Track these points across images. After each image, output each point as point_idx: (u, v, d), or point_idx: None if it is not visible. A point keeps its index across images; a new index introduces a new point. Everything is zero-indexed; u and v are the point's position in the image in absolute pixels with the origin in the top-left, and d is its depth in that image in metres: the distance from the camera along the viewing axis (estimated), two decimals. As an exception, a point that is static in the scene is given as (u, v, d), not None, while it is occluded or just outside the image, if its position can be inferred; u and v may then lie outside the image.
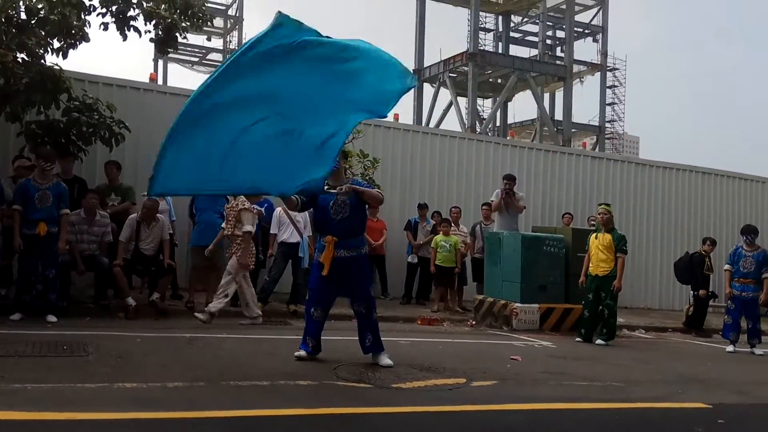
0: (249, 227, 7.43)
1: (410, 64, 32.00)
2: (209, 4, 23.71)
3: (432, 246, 10.04)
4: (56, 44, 7.93)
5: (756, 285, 8.41)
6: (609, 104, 36.61)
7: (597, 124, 34.52)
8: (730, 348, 8.45)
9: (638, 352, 7.78)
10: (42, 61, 7.86)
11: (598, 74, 34.49)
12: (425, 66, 31.24)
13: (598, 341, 8.04)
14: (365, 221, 5.63)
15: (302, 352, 5.38)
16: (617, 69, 37.29)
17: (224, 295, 7.35)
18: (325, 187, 5.20)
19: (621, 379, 5.68)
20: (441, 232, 10.04)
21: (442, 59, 30.13)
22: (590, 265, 8.22)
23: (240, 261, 7.35)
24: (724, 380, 6.13)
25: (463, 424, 3.95)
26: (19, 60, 7.70)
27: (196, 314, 7.28)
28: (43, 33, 7.72)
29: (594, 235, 8.34)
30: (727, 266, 8.69)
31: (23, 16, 7.67)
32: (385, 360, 5.33)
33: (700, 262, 10.50)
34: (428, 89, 31.92)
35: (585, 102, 36.56)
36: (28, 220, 6.66)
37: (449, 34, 36.82)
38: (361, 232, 5.47)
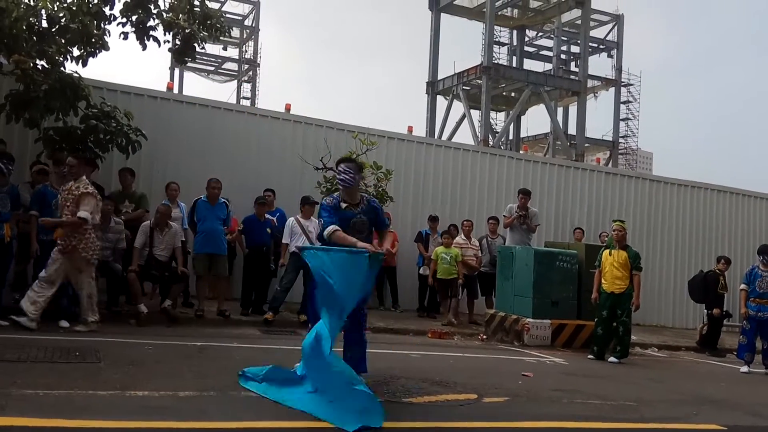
0: (84, 213, 6.29)
1: (424, 77, 32.18)
2: (226, 15, 23.98)
3: (433, 258, 9.98)
4: (76, 52, 8.05)
5: (772, 305, 8.30)
6: (623, 119, 36.49)
7: (611, 139, 34.44)
8: (744, 368, 8.33)
9: (651, 371, 7.69)
10: (61, 68, 7.98)
11: (612, 89, 34.45)
12: (439, 78, 31.31)
13: (611, 359, 7.95)
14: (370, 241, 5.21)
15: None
16: (632, 84, 37.21)
17: (87, 295, 6.49)
18: (343, 205, 5.03)
19: (634, 398, 5.60)
20: (443, 244, 9.99)
21: (456, 72, 30.19)
22: (605, 282, 8.12)
23: (83, 255, 6.39)
24: (739, 401, 6.04)
25: (475, 441, 3.91)
26: (39, 67, 7.82)
27: (15, 318, 6.23)
28: (63, 41, 7.84)
29: (607, 251, 8.26)
30: (743, 286, 8.59)
31: (44, 24, 7.80)
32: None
33: (714, 280, 10.38)
34: (441, 102, 31.97)
35: (599, 117, 36.66)
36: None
37: (463, 48, 37.00)
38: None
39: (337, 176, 5.25)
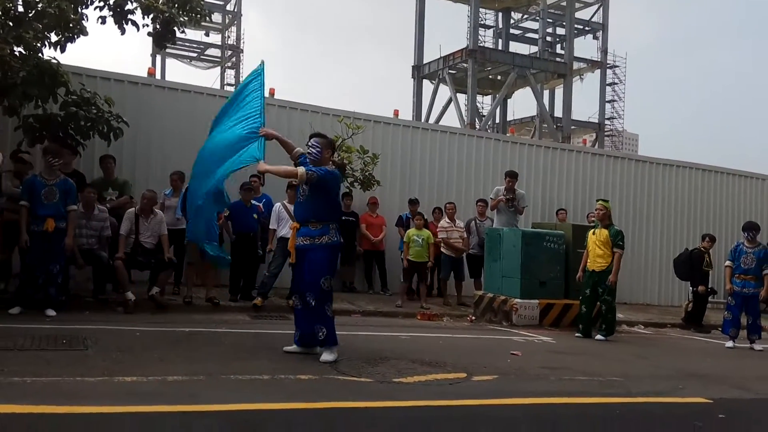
0: None
1: (410, 61, 32.01)
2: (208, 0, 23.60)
3: (405, 240, 9.89)
4: (54, 38, 7.88)
5: (757, 281, 8.42)
6: (609, 101, 36.61)
7: (596, 121, 34.54)
8: (729, 344, 8.45)
9: (638, 348, 7.78)
10: (39, 54, 7.81)
11: (598, 71, 34.48)
12: (425, 62, 31.18)
13: (598, 337, 8.04)
14: (327, 211, 5.31)
15: (291, 347, 5.45)
16: (617, 66, 37.30)
17: None
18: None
19: (621, 374, 5.67)
20: (415, 226, 9.89)
21: (442, 55, 30.06)
22: (588, 260, 8.23)
23: None
24: (725, 376, 6.13)
25: (465, 418, 3.94)
26: (17, 53, 7.65)
27: None
28: (40, 26, 7.68)
29: (592, 230, 8.35)
30: (728, 262, 8.69)
31: (21, 9, 7.63)
32: (328, 356, 5.14)
33: (699, 258, 10.50)
34: (428, 86, 31.86)
35: (585, 99, 36.64)
36: (35, 216, 6.65)
37: (449, 31, 36.79)
38: (320, 220, 5.24)
39: (307, 150, 5.48)
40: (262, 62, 5.98)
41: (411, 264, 9.74)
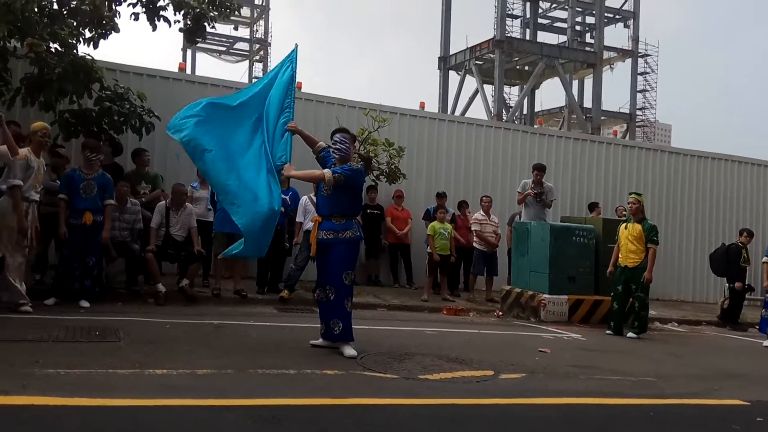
0: None
1: (436, 51, 31.78)
2: (236, -7, 23.78)
3: (429, 233, 9.74)
4: (87, 34, 8.03)
5: (795, 279, 8.18)
6: (640, 91, 35.87)
7: (627, 111, 33.89)
8: (767, 343, 8.23)
9: (671, 346, 7.62)
10: (74, 51, 7.96)
11: (629, 61, 33.79)
12: (451, 53, 30.94)
13: (630, 334, 7.90)
14: (351, 205, 5.34)
15: (317, 340, 5.45)
16: (649, 55, 36.47)
17: None
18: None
19: (654, 373, 5.56)
20: (436, 219, 9.77)
21: (469, 46, 29.79)
22: (620, 256, 8.07)
23: None
24: (762, 376, 5.97)
25: (492, 417, 3.90)
26: (52, 50, 7.80)
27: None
28: (74, 23, 7.82)
29: (624, 225, 8.18)
30: (765, 258, 8.48)
31: (55, 6, 7.77)
32: (349, 351, 5.15)
33: (736, 253, 10.23)
34: (454, 77, 31.61)
35: (615, 89, 35.94)
36: (73, 209, 6.82)
37: (476, 21, 36.35)
38: (344, 214, 5.26)
39: (332, 146, 5.44)
40: (296, 46, 5.86)
41: (439, 257, 9.68)
